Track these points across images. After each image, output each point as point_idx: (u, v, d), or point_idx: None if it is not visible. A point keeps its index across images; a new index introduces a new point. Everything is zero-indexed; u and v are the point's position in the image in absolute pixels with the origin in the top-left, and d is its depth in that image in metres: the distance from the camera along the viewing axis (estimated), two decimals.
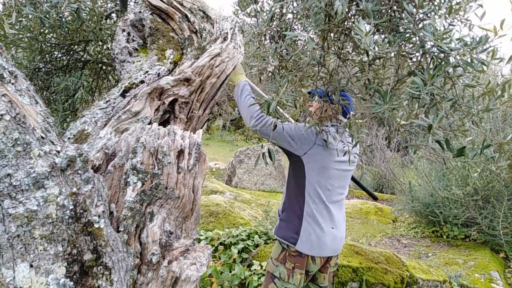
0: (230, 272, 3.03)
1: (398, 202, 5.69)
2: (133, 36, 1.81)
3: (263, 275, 2.99)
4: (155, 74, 1.64)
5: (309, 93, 1.90)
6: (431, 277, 3.23)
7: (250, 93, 1.84)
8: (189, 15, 1.81)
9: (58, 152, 0.91)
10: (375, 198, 2.37)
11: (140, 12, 1.81)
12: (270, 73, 1.83)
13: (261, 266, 3.04)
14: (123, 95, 1.57)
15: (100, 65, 2.73)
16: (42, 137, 0.90)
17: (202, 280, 2.98)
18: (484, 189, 4.06)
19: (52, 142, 0.92)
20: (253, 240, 3.38)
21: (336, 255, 1.97)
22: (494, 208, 4.01)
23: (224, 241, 3.44)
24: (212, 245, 3.43)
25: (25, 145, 0.85)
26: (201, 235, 3.50)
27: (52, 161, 0.89)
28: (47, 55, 2.48)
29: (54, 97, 2.47)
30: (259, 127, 1.75)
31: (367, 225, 5.40)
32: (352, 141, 1.64)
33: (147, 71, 1.65)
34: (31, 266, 0.86)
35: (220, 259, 3.30)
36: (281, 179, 7.52)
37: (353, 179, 2.20)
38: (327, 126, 1.80)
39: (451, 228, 4.72)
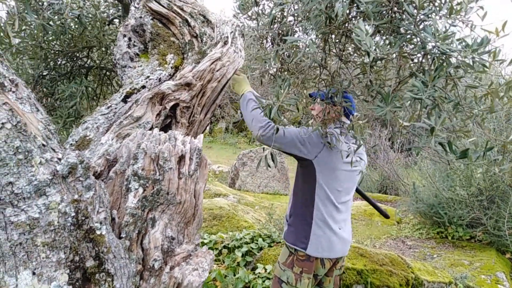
0: (234, 275, 3.03)
1: (402, 203, 5.67)
2: (134, 41, 1.82)
3: (268, 278, 2.98)
4: (156, 79, 1.64)
5: (310, 96, 1.90)
6: (437, 278, 3.21)
7: (256, 103, 1.83)
8: (189, 20, 1.81)
9: (59, 159, 0.92)
10: (386, 217, 2.33)
11: (140, 17, 1.82)
12: (272, 76, 1.83)
13: (265, 269, 3.03)
14: (124, 100, 1.57)
15: (104, 71, 2.74)
16: (43, 145, 0.90)
17: (206, 284, 2.97)
18: (489, 189, 4.03)
19: (54, 150, 0.93)
20: (257, 243, 3.37)
21: (343, 257, 1.97)
22: (499, 209, 3.97)
23: (228, 244, 3.43)
24: (216, 249, 3.43)
25: (26, 153, 0.86)
26: (204, 239, 3.50)
27: (54, 168, 0.90)
28: (51, 62, 2.49)
29: (59, 103, 2.48)
30: (269, 135, 1.73)
31: (371, 226, 5.38)
32: (356, 142, 1.64)
33: (148, 76, 1.65)
34: (34, 273, 0.87)
35: (224, 262, 3.30)
36: (284, 181, 7.51)
37: (364, 196, 2.20)
38: (331, 128, 1.80)
39: (456, 229, 4.69)
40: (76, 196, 0.92)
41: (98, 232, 0.94)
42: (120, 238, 1.04)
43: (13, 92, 0.88)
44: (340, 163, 1.80)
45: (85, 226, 0.93)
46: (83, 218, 0.92)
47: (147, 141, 1.10)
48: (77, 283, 0.93)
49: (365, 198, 2.24)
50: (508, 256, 4.25)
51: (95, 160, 1.14)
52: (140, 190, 1.06)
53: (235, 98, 15.85)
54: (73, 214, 0.91)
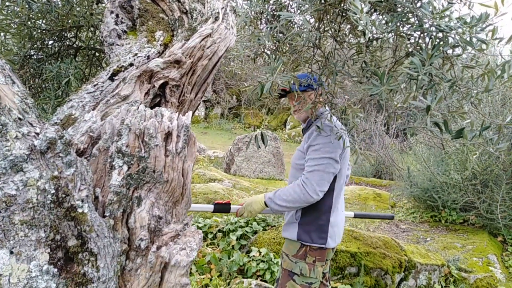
0: (229, 258, 3.03)
1: (397, 187, 5.68)
2: (122, 18, 1.75)
3: (262, 261, 2.98)
4: (144, 57, 1.58)
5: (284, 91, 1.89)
6: (429, 261, 3.23)
7: (276, 192, 1.78)
8: None
9: (37, 134, 0.87)
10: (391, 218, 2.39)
11: None
12: (267, 56, 1.79)
13: (260, 252, 3.04)
14: (111, 78, 1.52)
15: (92, 51, 2.67)
16: (19, 118, 0.86)
17: (201, 267, 2.97)
18: (483, 173, 4.04)
19: (31, 124, 0.88)
20: (251, 227, 3.37)
21: None
22: (492, 192, 3.99)
23: (223, 228, 3.43)
24: (211, 232, 3.42)
25: (0, 127, 0.81)
26: (199, 223, 3.49)
27: (31, 143, 0.85)
28: (38, 42, 2.41)
29: (46, 84, 2.41)
30: (316, 185, 1.67)
31: (365, 210, 5.40)
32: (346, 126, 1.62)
33: (136, 54, 1.59)
34: (12, 252, 0.83)
35: (218, 246, 3.30)
36: (279, 166, 7.50)
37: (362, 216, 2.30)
38: (324, 116, 1.78)
39: (450, 213, 4.72)
40: (56, 173, 0.88)
41: (79, 210, 0.91)
42: (104, 217, 1.01)
43: None
44: (346, 150, 1.81)
45: (66, 204, 0.89)
46: (64, 195, 0.88)
47: (132, 117, 1.06)
48: (59, 263, 0.90)
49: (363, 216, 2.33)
50: (500, 239, 4.29)
51: (78, 137, 1.09)
52: (125, 167, 1.02)
53: (231, 83, 15.70)
54: (53, 191, 0.87)
